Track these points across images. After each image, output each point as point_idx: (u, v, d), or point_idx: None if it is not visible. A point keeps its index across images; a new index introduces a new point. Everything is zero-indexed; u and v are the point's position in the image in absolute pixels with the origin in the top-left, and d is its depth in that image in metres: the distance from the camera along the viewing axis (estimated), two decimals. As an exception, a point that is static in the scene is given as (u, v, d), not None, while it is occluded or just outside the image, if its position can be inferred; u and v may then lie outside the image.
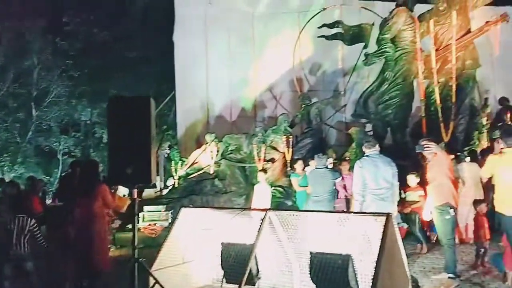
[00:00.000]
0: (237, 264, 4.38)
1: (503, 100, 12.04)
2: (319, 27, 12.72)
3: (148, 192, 12.19)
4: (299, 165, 8.56)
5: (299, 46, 13.71)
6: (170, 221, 7.71)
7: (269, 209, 4.60)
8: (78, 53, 18.03)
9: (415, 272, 5.74)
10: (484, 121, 10.70)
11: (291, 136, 10.33)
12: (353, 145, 10.59)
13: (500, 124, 10.61)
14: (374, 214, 4.26)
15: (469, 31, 10.28)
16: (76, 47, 18.16)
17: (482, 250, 6.00)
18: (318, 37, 12.90)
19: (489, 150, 8.67)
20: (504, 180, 4.58)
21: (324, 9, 13.74)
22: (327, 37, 12.56)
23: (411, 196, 7.04)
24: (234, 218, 4.81)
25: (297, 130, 11.81)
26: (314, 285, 4.01)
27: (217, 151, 9.97)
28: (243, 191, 9.10)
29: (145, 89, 16.98)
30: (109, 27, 18.20)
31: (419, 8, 11.02)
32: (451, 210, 5.13)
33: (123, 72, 18.03)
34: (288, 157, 10.01)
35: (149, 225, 8.23)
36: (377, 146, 5.44)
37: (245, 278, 3.94)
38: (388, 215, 4.00)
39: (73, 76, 18.21)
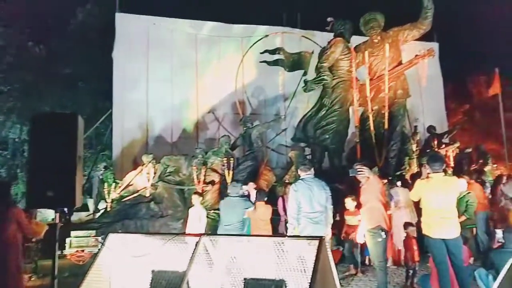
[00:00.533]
0: (168, 293, 4.17)
1: (430, 128, 12.94)
2: (261, 53, 13.00)
3: (79, 216, 11.47)
4: (238, 188, 8.49)
5: (242, 70, 13.89)
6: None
7: (203, 234, 4.44)
8: (9, 67, 16.85)
9: (349, 296, 5.81)
10: (414, 147, 11.32)
11: (232, 159, 10.25)
12: (293, 168, 10.75)
13: (428, 150, 11.31)
14: (307, 238, 4.27)
15: (400, 63, 10.94)
16: (7, 60, 16.97)
17: (411, 271, 6.23)
18: (260, 62, 13.16)
19: (418, 175, 9.18)
20: (430, 204, 4.81)
21: (267, 35, 14.11)
22: (269, 63, 12.86)
23: (351, 220, 7.19)
24: (166, 244, 4.61)
25: (238, 152, 11.78)
26: (247, 312, 3.89)
27: (154, 173, 9.61)
28: (180, 215, 8.76)
29: (81, 106, 16.20)
30: (45, 41, 17.26)
31: (355, 40, 11.62)
32: (383, 233, 5.27)
33: (58, 89, 17.08)
34: (229, 180, 9.90)
35: (77, 251, 7.67)
36: (312, 169, 5.50)
37: (174, 308, 3.74)
38: (321, 239, 4.01)
39: (3, 91, 16.93)
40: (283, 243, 4.39)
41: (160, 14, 13.73)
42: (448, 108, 18.30)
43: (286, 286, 4.01)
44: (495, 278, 4.89)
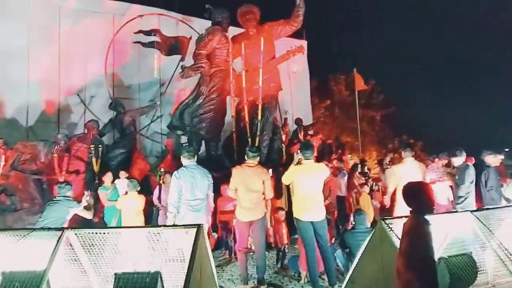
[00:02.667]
0: (23, 297, 3.64)
1: (298, 121, 13.92)
2: (135, 33, 12.17)
3: None
4: (108, 178, 7.93)
5: (113, 50, 12.87)
6: None
7: (66, 228, 3.97)
8: None
9: (224, 281, 5.89)
10: (283, 138, 12.04)
11: (100, 146, 9.47)
12: (168, 156, 10.45)
13: (296, 141, 12.13)
14: (185, 226, 4.15)
15: (273, 57, 11.38)
16: None
17: (281, 253, 6.61)
18: (134, 42, 12.31)
19: (286, 163, 9.80)
20: (301, 189, 5.13)
21: (141, 16, 13.31)
22: (144, 44, 12.12)
23: (228, 206, 7.32)
24: (21, 241, 4.00)
25: (108, 139, 10.95)
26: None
27: (6, 161, 8.27)
28: (38, 208, 7.74)
29: None
30: None
31: (233, 31, 11.73)
32: (235, 220, 5.63)
33: None
34: (96, 169, 9.15)
35: None
36: (195, 157, 5.44)
37: (31, 313, 3.27)
38: (199, 227, 3.94)
39: None
40: (158, 233, 4.21)
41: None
42: (312, 103, 19.90)
43: (161, 278, 3.84)
44: (348, 256, 5.49)
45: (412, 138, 21.40)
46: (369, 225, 5.82)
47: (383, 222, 3.71)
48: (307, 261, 5.12)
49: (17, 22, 11.48)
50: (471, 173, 6.36)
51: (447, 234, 4.05)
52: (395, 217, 4.00)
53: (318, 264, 5.19)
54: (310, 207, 5.05)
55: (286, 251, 6.64)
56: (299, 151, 5.25)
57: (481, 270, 3.78)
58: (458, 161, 6.70)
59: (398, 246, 3.05)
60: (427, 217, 2.89)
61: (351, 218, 8.56)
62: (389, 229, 3.59)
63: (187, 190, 5.09)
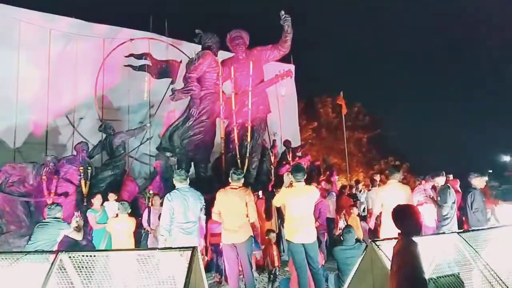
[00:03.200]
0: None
1: (286, 143, 14.07)
2: (126, 56, 12.30)
3: None
4: (97, 200, 7.89)
5: (104, 72, 12.95)
6: None
7: (61, 251, 3.96)
8: None
9: (214, 305, 5.87)
10: (272, 159, 12.16)
11: (89, 168, 9.43)
12: (157, 178, 10.43)
13: (284, 162, 12.25)
14: (180, 249, 4.18)
15: (262, 81, 11.64)
16: None
17: (272, 276, 6.62)
18: (125, 66, 12.43)
19: (275, 185, 9.90)
20: (292, 211, 5.21)
21: (132, 39, 13.48)
22: (135, 68, 12.25)
23: (215, 229, 7.32)
24: (14, 265, 3.97)
25: (97, 161, 10.90)
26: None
27: (-8, 183, 8.17)
28: (25, 231, 7.62)
29: None
30: None
31: (222, 55, 11.96)
32: (221, 244, 5.67)
33: None
34: (85, 191, 9.09)
35: None
36: (188, 180, 5.48)
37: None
38: (193, 249, 3.98)
39: None
40: (153, 256, 4.22)
41: (5, 1, 11.95)
42: (299, 124, 20.17)
43: (156, 301, 3.85)
44: (339, 279, 5.53)
45: (398, 159, 21.75)
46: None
47: (374, 244, 3.80)
48: (299, 283, 5.15)
49: (7, 44, 11.52)
50: (452, 193, 6.59)
51: (435, 256, 4.15)
52: (385, 239, 4.09)
53: (309, 287, 5.23)
54: (302, 229, 5.12)
55: (277, 273, 6.65)
56: (290, 173, 5.34)
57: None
58: (440, 180, 6.96)
59: (389, 268, 3.15)
60: (415, 238, 3.00)
61: (340, 223, 8.65)
62: (380, 250, 3.69)
63: (179, 213, 5.11)
